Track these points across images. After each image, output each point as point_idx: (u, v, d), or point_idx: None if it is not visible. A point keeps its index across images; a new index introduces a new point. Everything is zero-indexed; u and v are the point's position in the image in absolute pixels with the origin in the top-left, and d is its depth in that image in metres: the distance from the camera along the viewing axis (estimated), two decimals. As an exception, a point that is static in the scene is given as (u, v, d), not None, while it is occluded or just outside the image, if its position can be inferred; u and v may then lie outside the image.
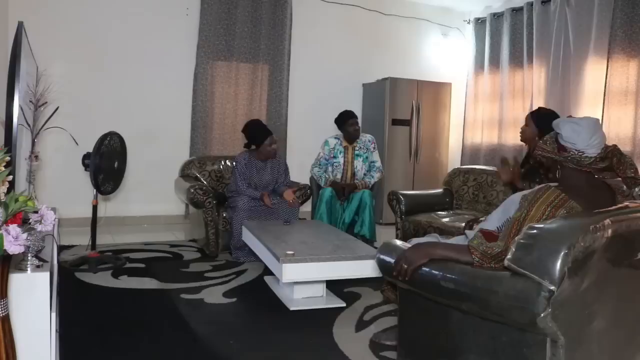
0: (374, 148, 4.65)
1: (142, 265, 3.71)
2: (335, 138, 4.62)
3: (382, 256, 1.95)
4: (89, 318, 2.68)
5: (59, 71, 4.70)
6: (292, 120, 5.95)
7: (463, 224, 3.31)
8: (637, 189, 1.76)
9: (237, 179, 4.07)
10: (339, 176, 4.55)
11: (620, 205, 1.66)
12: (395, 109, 5.97)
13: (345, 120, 4.54)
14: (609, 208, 1.62)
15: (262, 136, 4.07)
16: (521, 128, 3.03)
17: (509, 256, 1.48)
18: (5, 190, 1.52)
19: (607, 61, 4.85)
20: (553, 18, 5.46)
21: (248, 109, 5.67)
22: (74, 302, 2.86)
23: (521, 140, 3.05)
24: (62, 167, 4.78)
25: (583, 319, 1.52)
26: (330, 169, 4.58)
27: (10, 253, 1.38)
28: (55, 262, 2.31)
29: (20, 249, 1.39)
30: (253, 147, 4.14)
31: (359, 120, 4.89)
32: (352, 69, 6.26)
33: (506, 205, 1.99)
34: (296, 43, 5.89)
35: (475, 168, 4.46)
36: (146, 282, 3.33)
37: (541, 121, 2.90)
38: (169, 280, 3.36)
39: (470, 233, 2.06)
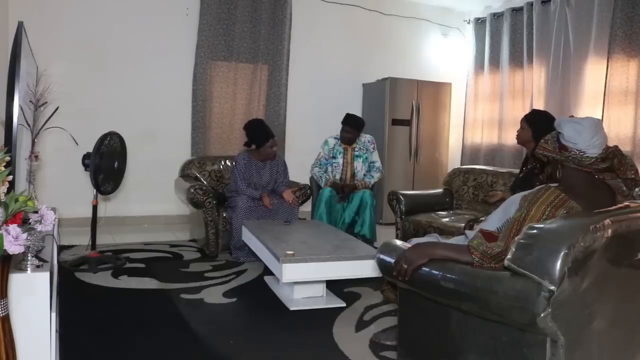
0: (373, 148, 4.64)
1: (142, 265, 3.71)
2: (335, 138, 4.61)
3: (382, 256, 1.95)
4: (89, 318, 2.68)
5: (59, 71, 4.70)
6: (292, 120, 5.95)
7: (463, 224, 3.31)
8: (637, 190, 1.76)
9: (237, 179, 4.07)
10: (338, 176, 4.55)
11: (620, 205, 1.66)
12: (395, 109, 5.97)
13: (342, 123, 4.54)
14: (609, 208, 1.62)
15: (264, 138, 4.07)
16: (517, 132, 3.06)
17: (509, 256, 1.48)
18: (5, 190, 1.52)
19: (607, 61, 4.85)
20: (553, 18, 5.47)
21: (247, 109, 5.68)
22: (74, 302, 2.86)
23: (518, 143, 3.10)
24: (62, 167, 4.78)
25: (583, 319, 1.52)
26: (330, 169, 4.58)
27: (10, 253, 1.38)
28: (55, 262, 2.31)
29: (20, 249, 1.39)
30: (253, 146, 4.14)
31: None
32: (352, 69, 6.26)
33: (506, 206, 1.99)
34: (296, 43, 5.89)
35: (475, 168, 4.46)
36: (146, 282, 3.33)
37: (534, 120, 2.95)
38: (169, 280, 3.36)
39: (470, 233, 2.06)
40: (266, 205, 3.99)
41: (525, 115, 3.07)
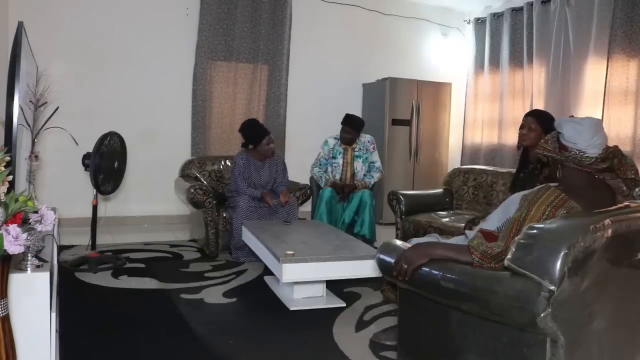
0: (373, 148, 4.64)
1: (142, 265, 3.71)
2: (335, 138, 4.61)
3: (382, 256, 1.95)
4: (89, 318, 2.68)
5: (59, 71, 4.71)
6: (292, 120, 5.95)
7: (463, 224, 3.31)
8: (637, 190, 1.76)
9: (237, 179, 4.06)
10: (338, 177, 4.55)
11: (620, 205, 1.66)
12: (395, 109, 5.97)
13: (341, 123, 4.54)
14: (609, 208, 1.62)
15: (260, 136, 4.08)
16: (523, 132, 2.92)
17: (509, 256, 1.48)
18: (5, 190, 1.52)
19: (607, 61, 4.85)
20: (553, 18, 5.47)
21: (247, 109, 5.68)
22: (74, 302, 2.86)
23: (529, 146, 2.91)
24: (62, 167, 4.78)
25: (583, 319, 1.52)
26: (330, 169, 4.58)
27: (10, 253, 1.38)
28: (55, 262, 2.31)
29: (20, 249, 1.39)
30: (250, 146, 4.14)
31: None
32: (352, 69, 6.26)
33: (506, 205, 1.99)
34: (296, 43, 5.89)
35: (475, 168, 4.45)
36: (146, 282, 3.33)
37: (543, 120, 2.87)
38: (169, 280, 3.36)
39: (470, 233, 2.06)
40: (269, 202, 3.99)
41: (533, 115, 2.92)
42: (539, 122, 2.88)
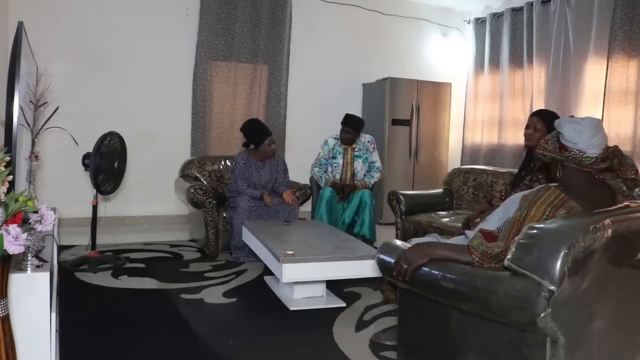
0: (373, 148, 4.64)
1: (142, 265, 3.71)
2: (335, 138, 4.61)
3: (382, 256, 1.95)
4: (89, 318, 2.68)
5: (59, 71, 4.71)
6: (292, 120, 5.95)
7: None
8: (637, 190, 1.76)
9: (237, 179, 4.06)
10: (338, 177, 4.55)
11: (620, 205, 1.66)
12: (395, 109, 5.97)
13: (341, 123, 4.54)
14: (609, 208, 1.62)
15: (262, 136, 4.08)
16: (529, 132, 2.89)
17: (509, 256, 1.48)
18: (5, 190, 1.52)
19: (607, 61, 4.85)
20: (553, 18, 5.47)
21: (247, 109, 5.68)
22: (74, 302, 2.86)
23: (532, 146, 2.86)
24: (62, 167, 4.78)
25: (583, 319, 1.52)
26: (330, 169, 4.58)
27: (10, 253, 1.38)
28: (55, 262, 2.31)
29: (20, 249, 1.39)
30: (252, 146, 4.14)
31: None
32: (352, 69, 6.26)
33: (506, 205, 1.98)
34: (296, 43, 5.89)
35: (475, 168, 4.45)
36: (146, 282, 3.33)
37: (552, 122, 2.84)
38: (169, 280, 3.36)
39: (470, 233, 2.06)
40: (267, 202, 3.99)
41: (538, 115, 2.90)
42: (544, 121, 2.85)
